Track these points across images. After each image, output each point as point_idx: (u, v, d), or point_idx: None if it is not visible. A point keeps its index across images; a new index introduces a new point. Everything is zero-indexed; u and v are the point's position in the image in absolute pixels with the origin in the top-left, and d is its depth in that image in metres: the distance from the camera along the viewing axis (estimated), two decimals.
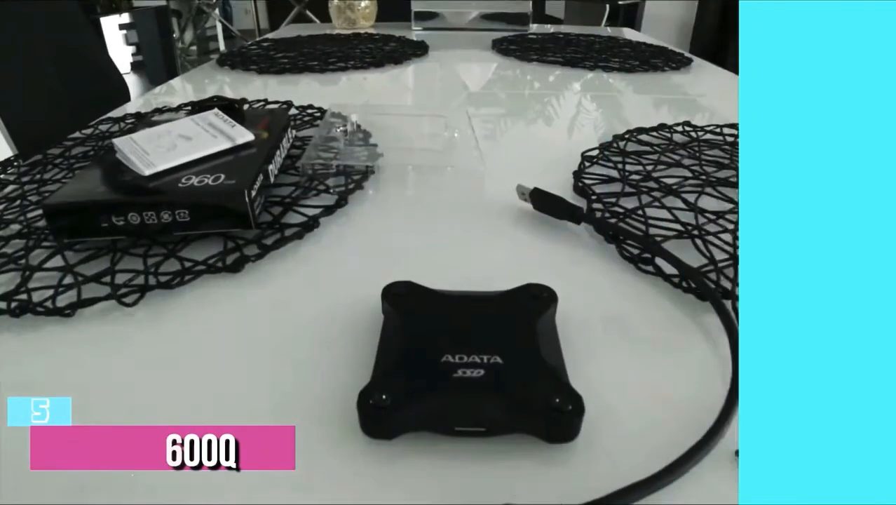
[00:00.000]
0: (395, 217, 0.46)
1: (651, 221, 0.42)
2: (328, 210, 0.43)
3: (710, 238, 0.40)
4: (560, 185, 0.49)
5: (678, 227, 0.41)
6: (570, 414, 0.25)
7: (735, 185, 0.48)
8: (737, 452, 0.26)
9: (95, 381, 0.29)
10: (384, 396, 0.25)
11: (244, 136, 0.44)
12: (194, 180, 0.38)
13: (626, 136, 0.59)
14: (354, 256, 0.40)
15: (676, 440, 0.25)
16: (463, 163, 0.54)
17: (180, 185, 0.38)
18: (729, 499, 0.24)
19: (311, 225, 0.41)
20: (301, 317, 0.34)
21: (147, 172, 0.39)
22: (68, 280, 0.35)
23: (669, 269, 0.37)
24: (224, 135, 0.44)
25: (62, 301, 0.34)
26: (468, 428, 0.26)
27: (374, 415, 0.25)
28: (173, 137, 0.43)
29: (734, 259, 0.38)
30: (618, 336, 0.33)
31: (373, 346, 0.30)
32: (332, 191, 0.46)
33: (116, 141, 0.43)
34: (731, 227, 0.41)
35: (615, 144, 0.57)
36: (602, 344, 0.32)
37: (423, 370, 0.27)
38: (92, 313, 0.34)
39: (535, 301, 0.31)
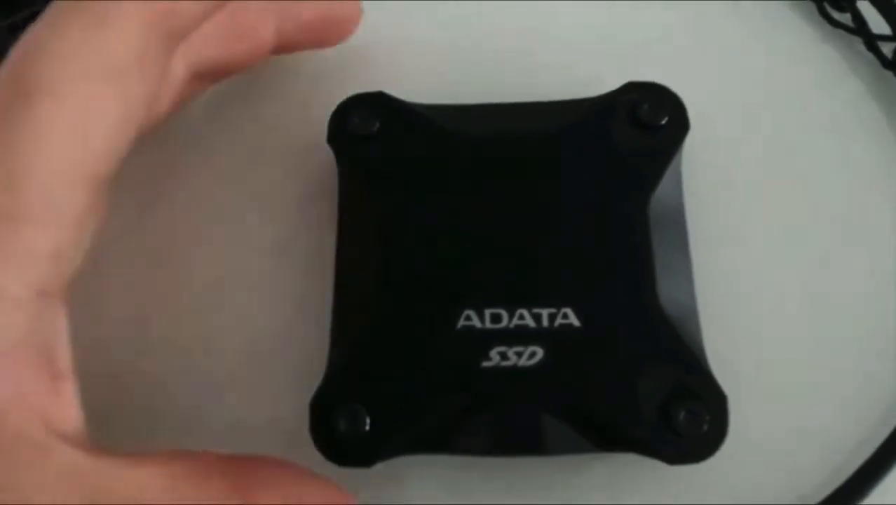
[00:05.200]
0: None
1: None
2: None
3: None
4: None
5: None
6: (704, 438, 0.13)
7: None
8: None
9: None
10: (354, 414, 0.13)
11: None
12: None
13: None
14: None
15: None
16: None
17: None
18: None
19: None
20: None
21: None
22: None
23: (880, 22, 0.19)
24: None
25: None
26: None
27: (341, 446, 0.14)
28: None
29: None
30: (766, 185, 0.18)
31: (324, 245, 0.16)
32: None
33: None
34: None
35: None
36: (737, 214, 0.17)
37: (424, 352, 0.14)
38: None
39: (644, 137, 0.16)
